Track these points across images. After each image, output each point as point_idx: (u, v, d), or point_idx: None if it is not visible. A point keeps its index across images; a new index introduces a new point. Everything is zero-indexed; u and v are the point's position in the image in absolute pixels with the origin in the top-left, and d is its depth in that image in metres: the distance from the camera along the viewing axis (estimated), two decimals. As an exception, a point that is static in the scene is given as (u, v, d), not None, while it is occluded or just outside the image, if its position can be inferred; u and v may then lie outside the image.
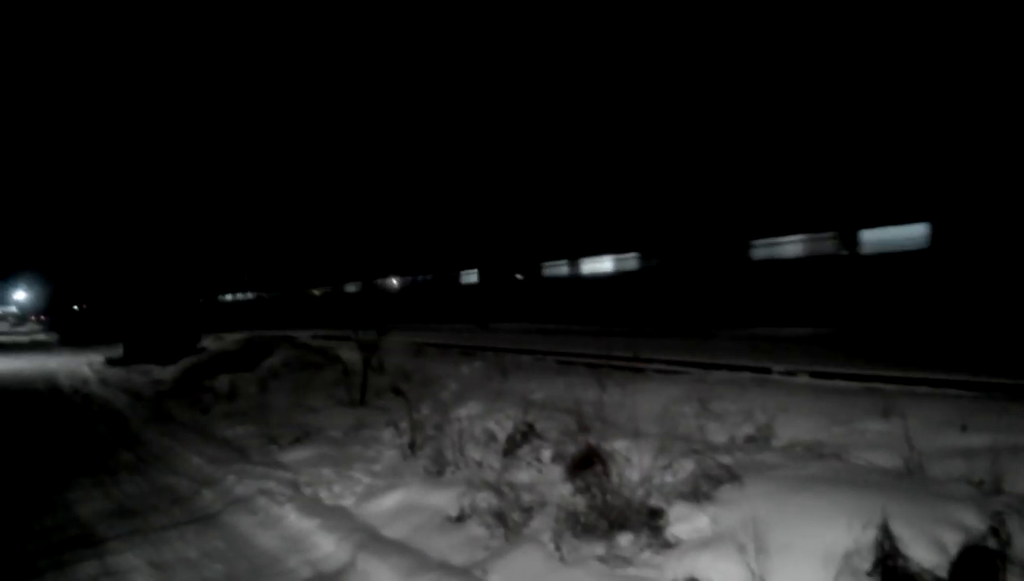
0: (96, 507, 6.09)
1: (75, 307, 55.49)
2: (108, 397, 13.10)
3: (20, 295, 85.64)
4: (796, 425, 5.86)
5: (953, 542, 3.30)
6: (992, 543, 3.28)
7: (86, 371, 18.08)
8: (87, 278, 44.49)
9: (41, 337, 43.11)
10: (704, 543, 3.84)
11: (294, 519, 5.37)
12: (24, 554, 4.99)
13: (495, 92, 33.25)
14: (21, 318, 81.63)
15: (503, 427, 6.50)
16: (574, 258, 36.10)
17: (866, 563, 3.29)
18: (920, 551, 3.25)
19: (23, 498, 6.41)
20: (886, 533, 3.29)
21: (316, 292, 54.20)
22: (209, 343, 19.67)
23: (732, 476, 4.34)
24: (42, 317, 73.73)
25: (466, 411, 7.34)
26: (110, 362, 19.54)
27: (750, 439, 5.75)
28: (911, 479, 4.22)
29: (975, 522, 3.41)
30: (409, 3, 34.45)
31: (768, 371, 9.12)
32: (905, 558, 3.23)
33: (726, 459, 4.56)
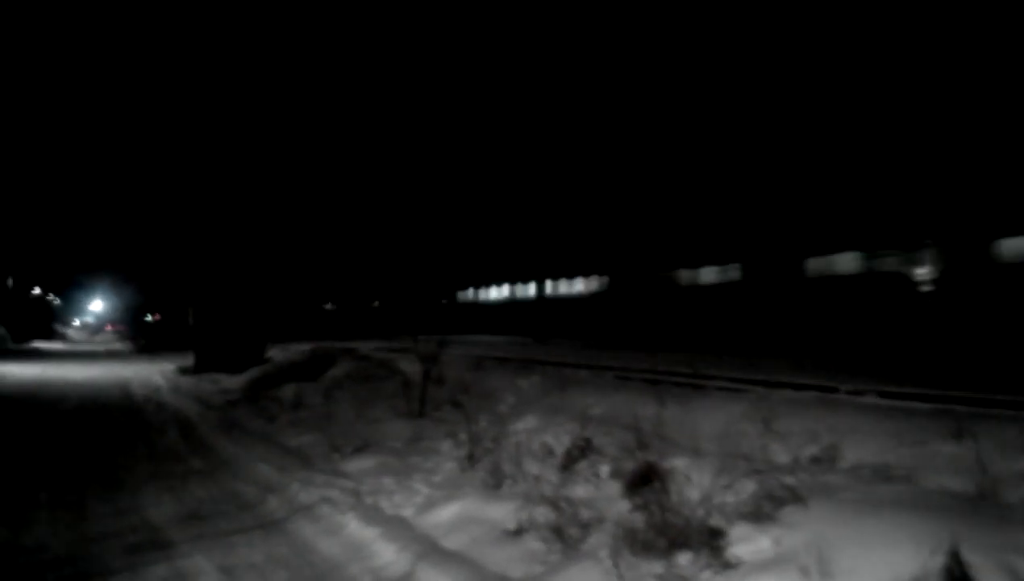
0: (167, 511, 6.31)
1: (148, 317, 57.60)
2: (179, 405, 13.56)
3: (97, 305, 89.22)
4: (863, 446, 5.71)
5: (1028, 571, 3.19)
6: (1070, 573, 3.16)
7: (158, 379, 18.74)
8: (160, 289, 46.17)
9: (116, 346, 44.89)
10: (766, 565, 3.78)
11: (356, 527, 5.48)
12: (99, 556, 5.20)
13: (562, 111, 33.60)
14: (97, 328, 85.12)
15: (560, 442, 6.51)
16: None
17: (935, 590, 3.20)
18: (992, 579, 3.14)
19: (99, 501, 6.68)
20: (956, 559, 3.20)
21: (376, 304, 55.13)
22: (275, 353, 20.19)
23: (796, 497, 4.26)
24: (117, 327, 76.75)
25: (524, 425, 7.37)
26: (181, 371, 20.23)
27: (815, 460, 5.63)
28: (983, 504, 4.08)
29: (1052, 550, 3.29)
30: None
31: (835, 390, 8.91)
32: (976, 586, 3.14)
33: (789, 480, 4.48)
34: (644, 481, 5.09)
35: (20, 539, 5.57)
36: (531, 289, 40.57)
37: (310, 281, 48.45)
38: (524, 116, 35.13)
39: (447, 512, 5.69)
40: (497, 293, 46.35)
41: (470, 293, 49.73)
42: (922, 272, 21.52)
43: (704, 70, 26.34)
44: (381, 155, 42.16)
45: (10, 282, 45.95)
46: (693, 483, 4.70)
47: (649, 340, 24.18)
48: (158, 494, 6.90)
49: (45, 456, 8.85)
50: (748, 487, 4.50)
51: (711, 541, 4.15)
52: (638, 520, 4.59)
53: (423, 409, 9.89)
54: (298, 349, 18.89)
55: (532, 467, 6.22)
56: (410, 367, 12.46)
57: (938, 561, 3.24)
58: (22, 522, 5.99)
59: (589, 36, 31.01)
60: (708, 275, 29.15)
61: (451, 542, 5.11)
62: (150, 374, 20.45)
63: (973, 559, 3.21)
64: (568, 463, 6.10)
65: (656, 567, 4.11)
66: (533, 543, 4.84)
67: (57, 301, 73.38)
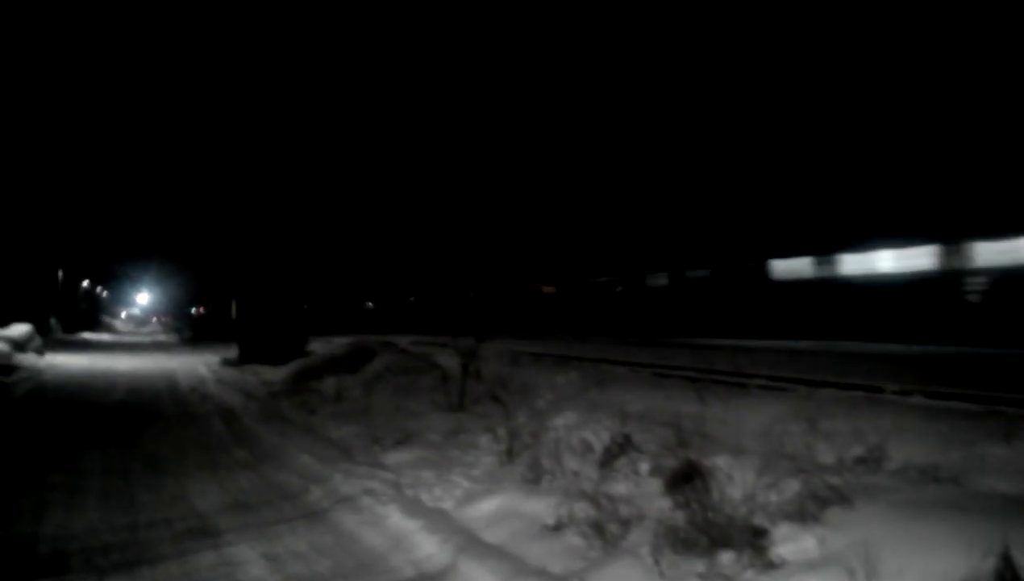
0: (213, 500, 6.44)
1: (192, 310, 58.82)
2: (223, 396, 13.82)
3: (143, 298, 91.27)
4: (910, 447, 5.61)
5: (1084, 577, 3.10)
6: None
7: (203, 371, 19.12)
8: (205, 283, 47.15)
9: (161, 338, 45.89)
10: (810, 565, 3.73)
11: (397, 519, 5.54)
12: (148, 542, 5.33)
13: (618, 110, 33.04)
14: (143, 320, 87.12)
15: (599, 438, 6.50)
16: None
17: (985, 593, 3.13)
18: (1046, 584, 3.07)
19: (146, 489, 6.85)
20: (1007, 562, 3.13)
21: (412, 299, 55.54)
22: (316, 347, 20.47)
23: (841, 498, 4.20)
24: (162, 319, 78.51)
25: (562, 420, 7.37)
26: (225, 363, 20.62)
27: (860, 460, 5.54)
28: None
29: (1109, 557, 3.19)
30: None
31: (880, 390, 8.75)
32: (1029, 590, 3.06)
33: (835, 480, 4.42)
34: (685, 479, 5.05)
35: (71, 525, 5.73)
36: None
37: (350, 276, 49.02)
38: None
39: (487, 506, 5.73)
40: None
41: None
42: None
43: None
44: (429, 158, 42.44)
45: (60, 275, 47.23)
46: (735, 482, 4.66)
47: None
48: (203, 483, 7.06)
49: (94, 444, 9.09)
50: (792, 487, 4.44)
51: (754, 540, 4.11)
52: (679, 518, 4.56)
53: (462, 403, 9.95)
54: (339, 342, 19.12)
55: (571, 463, 6.22)
56: (448, 361, 12.54)
57: (989, 564, 3.18)
58: (73, 508, 6.17)
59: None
60: None
61: (491, 535, 5.14)
62: (195, 365, 20.86)
63: (1026, 563, 3.14)
64: (607, 460, 6.09)
65: (698, 565, 4.08)
66: (573, 538, 4.85)
67: (105, 293, 75.21)
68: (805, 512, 4.17)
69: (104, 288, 74.75)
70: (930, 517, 3.77)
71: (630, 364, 13.97)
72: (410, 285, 54.82)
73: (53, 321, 35.98)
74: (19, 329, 20.85)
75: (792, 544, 3.96)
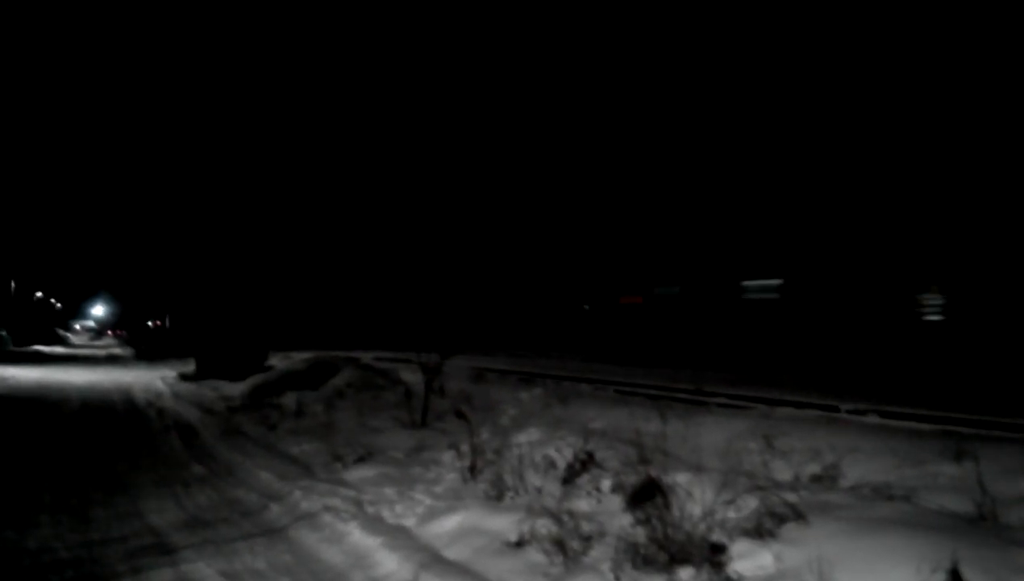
0: (170, 517, 6.33)
1: (149, 323, 57.70)
2: (181, 411, 13.58)
3: (98, 310, 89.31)
4: (864, 465, 5.74)
5: (1027, 591, 3.22)
6: (1070, 594, 3.18)
7: (160, 385, 18.76)
8: (161, 296, 46.31)
9: (117, 351, 44.86)
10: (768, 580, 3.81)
11: (358, 536, 5.51)
12: (103, 560, 5.23)
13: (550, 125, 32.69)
14: (99, 333, 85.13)
15: (563, 455, 6.54)
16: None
17: (935, 608, 3.23)
18: (992, 599, 3.17)
19: (101, 506, 6.71)
20: (956, 577, 3.23)
21: (379, 313, 55.08)
22: (277, 361, 20.20)
23: (797, 514, 4.29)
24: (118, 332, 76.85)
25: (526, 437, 7.39)
26: (182, 377, 20.25)
27: (816, 478, 5.66)
28: (983, 524, 4.11)
29: (1051, 572, 3.31)
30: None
31: (836, 409, 8.94)
32: (976, 605, 3.16)
33: (791, 497, 4.51)
34: (646, 495, 5.12)
35: (24, 542, 5.59)
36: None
37: (312, 290, 48.46)
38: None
39: (449, 523, 5.72)
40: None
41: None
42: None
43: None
44: (379, 160, 42.02)
45: (12, 285, 46.05)
46: (695, 498, 4.73)
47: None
48: (160, 499, 6.93)
49: (48, 460, 8.88)
50: (750, 503, 4.53)
51: (712, 556, 4.18)
52: (640, 534, 4.62)
53: (425, 419, 9.92)
54: (300, 357, 18.90)
55: (534, 479, 6.25)
56: (412, 377, 12.49)
57: (938, 579, 3.28)
58: (26, 525, 6.02)
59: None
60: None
61: (453, 552, 5.14)
62: (151, 380, 20.46)
63: (973, 578, 3.24)
64: (570, 476, 6.13)
65: (658, 581, 4.14)
66: (535, 555, 4.87)
67: (59, 305, 73.46)
68: (762, 528, 4.25)
69: (59, 300, 73.02)
70: (883, 533, 3.87)
71: (594, 382, 14.03)
72: (373, 300, 54.37)
73: (4, 333, 35.00)
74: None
75: (749, 560, 4.03)
